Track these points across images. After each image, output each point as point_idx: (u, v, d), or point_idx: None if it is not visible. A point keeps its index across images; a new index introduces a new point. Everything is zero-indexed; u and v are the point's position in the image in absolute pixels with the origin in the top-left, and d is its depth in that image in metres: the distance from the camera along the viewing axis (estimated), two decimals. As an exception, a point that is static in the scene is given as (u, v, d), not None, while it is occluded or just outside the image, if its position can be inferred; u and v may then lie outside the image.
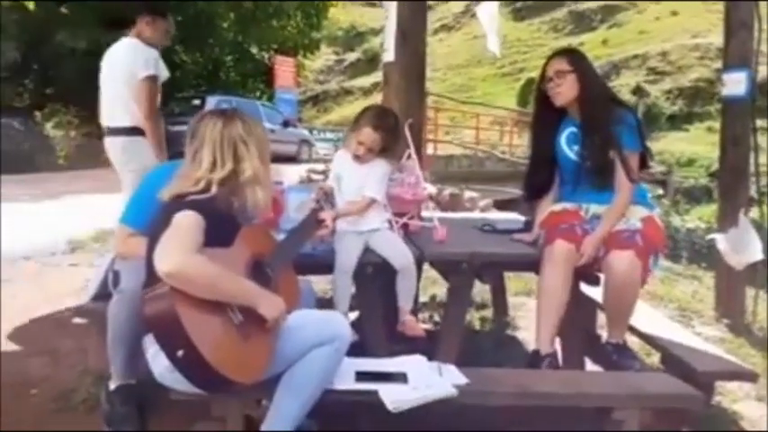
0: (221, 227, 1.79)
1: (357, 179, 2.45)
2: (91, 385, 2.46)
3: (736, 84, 4.21)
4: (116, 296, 2.12)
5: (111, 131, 3.63)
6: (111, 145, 3.64)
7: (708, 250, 7.40)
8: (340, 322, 1.89)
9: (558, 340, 2.49)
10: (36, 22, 13.49)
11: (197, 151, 1.89)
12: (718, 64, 4.40)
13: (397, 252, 2.39)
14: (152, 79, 3.53)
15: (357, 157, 2.42)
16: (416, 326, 2.45)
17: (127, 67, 3.55)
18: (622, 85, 24.25)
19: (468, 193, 8.75)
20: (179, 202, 1.76)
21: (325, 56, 35.13)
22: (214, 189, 1.82)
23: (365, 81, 33.32)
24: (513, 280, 4.45)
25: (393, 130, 2.47)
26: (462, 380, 2.00)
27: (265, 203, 1.90)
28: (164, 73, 3.69)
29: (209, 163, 1.86)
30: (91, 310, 2.50)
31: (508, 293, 4.04)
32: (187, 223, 1.69)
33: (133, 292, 1.95)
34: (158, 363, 1.74)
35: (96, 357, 2.53)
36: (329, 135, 22.43)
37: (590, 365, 2.76)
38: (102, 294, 2.43)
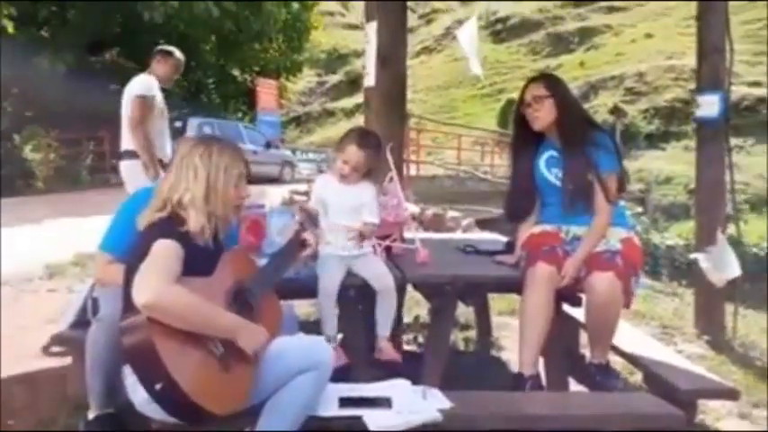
0: (200, 254, 1.78)
1: (349, 202, 2.44)
2: (70, 414, 2.40)
3: (709, 105, 4.31)
4: (95, 324, 2.10)
5: (118, 155, 4.32)
6: (120, 168, 4.27)
7: (688, 267, 7.51)
8: (323, 348, 1.88)
9: (541, 360, 2.50)
10: (16, 44, 13.41)
11: (167, 174, 1.90)
12: (693, 84, 4.52)
13: (378, 275, 2.39)
14: (141, 98, 4.11)
15: (343, 178, 2.42)
16: (392, 352, 2.45)
17: (127, 95, 4.22)
18: (600, 105, 24.65)
19: (450, 213, 8.79)
20: (155, 230, 1.75)
21: (307, 78, 35.25)
22: (180, 213, 1.79)
23: (347, 102, 33.47)
24: (496, 300, 4.46)
25: (376, 149, 2.48)
26: (447, 404, 1.99)
27: (199, 230, 1.79)
28: (158, 102, 4.27)
29: (170, 185, 1.85)
30: (69, 337, 2.46)
31: (492, 313, 4.04)
32: (165, 253, 1.68)
33: (112, 320, 1.92)
34: (138, 393, 1.70)
35: (75, 385, 2.47)
36: (312, 156, 22.46)
37: (574, 385, 2.77)
38: (81, 321, 2.40)
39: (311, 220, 2.30)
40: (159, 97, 4.34)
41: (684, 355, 3.36)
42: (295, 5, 20.43)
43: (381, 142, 2.58)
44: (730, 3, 4.40)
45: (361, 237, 2.39)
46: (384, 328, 2.43)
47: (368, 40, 3.33)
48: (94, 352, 2.06)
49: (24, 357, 3.06)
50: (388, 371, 2.39)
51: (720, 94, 4.29)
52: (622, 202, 2.69)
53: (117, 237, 2.19)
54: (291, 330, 2.10)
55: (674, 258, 10.01)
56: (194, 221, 1.79)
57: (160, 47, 4.59)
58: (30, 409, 2.52)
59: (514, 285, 2.57)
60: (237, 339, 1.71)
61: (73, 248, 5.33)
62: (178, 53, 4.52)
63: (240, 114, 20.52)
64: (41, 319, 3.44)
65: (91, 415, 2.16)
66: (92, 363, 2.08)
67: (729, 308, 4.42)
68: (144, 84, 4.23)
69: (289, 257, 2.14)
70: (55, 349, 2.90)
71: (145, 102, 4.14)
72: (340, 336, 2.47)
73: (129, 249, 1.86)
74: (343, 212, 2.44)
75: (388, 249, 2.71)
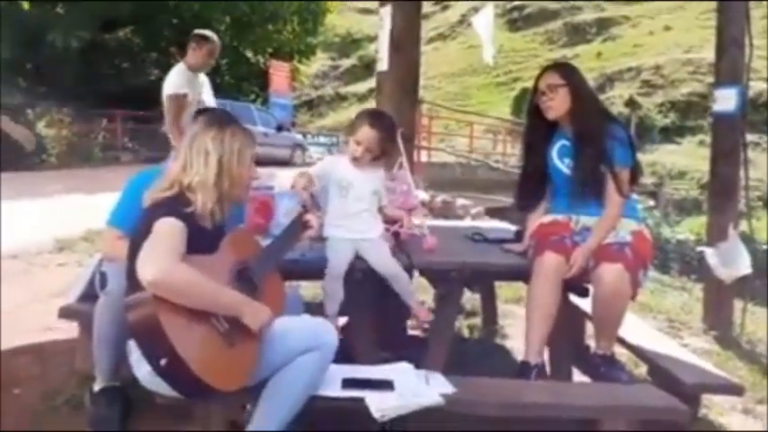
0: (204, 233, 1.78)
1: (369, 186, 2.44)
2: (76, 386, 2.43)
3: (726, 100, 4.25)
4: (102, 298, 2.11)
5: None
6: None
7: (698, 262, 7.46)
8: (326, 329, 1.89)
9: (546, 350, 2.50)
10: (30, 21, 13.44)
11: (178, 154, 1.89)
12: (711, 78, 4.46)
13: (382, 259, 2.39)
14: (171, 97, 4.23)
15: (355, 160, 2.41)
16: (426, 313, 2.50)
17: (164, 89, 4.36)
18: (616, 98, 24.43)
19: (460, 201, 8.77)
20: (160, 209, 1.75)
21: (320, 61, 35.13)
22: (186, 194, 1.79)
23: (360, 87, 33.37)
24: (503, 288, 4.45)
25: (390, 130, 2.46)
26: (449, 388, 2.00)
27: (205, 212, 1.80)
28: (204, 97, 4.44)
29: (181, 166, 1.85)
30: (77, 310, 2.48)
31: (498, 301, 4.04)
32: (169, 231, 1.68)
33: (119, 295, 1.94)
34: (142, 367, 1.72)
35: (82, 358, 2.50)
36: (323, 140, 22.46)
37: (578, 376, 2.76)
38: (89, 295, 2.42)
39: (313, 201, 2.29)
40: (196, 89, 4.42)
41: (690, 350, 3.35)
42: (310, -13, 20.32)
43: (395, 124, 2.56)
44: (751, -1, 4.33)
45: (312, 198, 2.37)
46: (410, 300, 2.45)
47: (382, 23, 3.30)
48: (101, 325, 2.08)
49: (33, 330, 3.11)
50: (392, 355, 2.40)
51: (738, 88, 4.23)
52: (634, 195, 2.67)
53: (125, 213, 2.21)
54: (296, 312, 2.11)
55: (685, 253, 9.96)
56: (203, 204, 1.79)
57: (195, 32, 4.51)
58: (37, 379, 2.55)
59: (522, 274, 2.56)
60: (242, 317, 1.72)
61: (83, 224, 5.37)
62: (212, 37, 4.49)
63: (253, 96, 20.48)
64: (50, 293, 3.48)
65: (97, 387, 2.19)
66: (98, 336, 2.10)
67: (738, 304, 4.39)
68: (173, 82, 4.31)
69: (291, 238, 2.14)
70: (64, 321, 2.94)
71: (176, 100, 4.22)
72: (342, 320, 2.48)
73: (134, 227, 1.87)
74: (364, 196, 2.43)
75: (395, 235, 2.70)
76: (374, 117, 2.44)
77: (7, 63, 13.89)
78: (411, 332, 3.42)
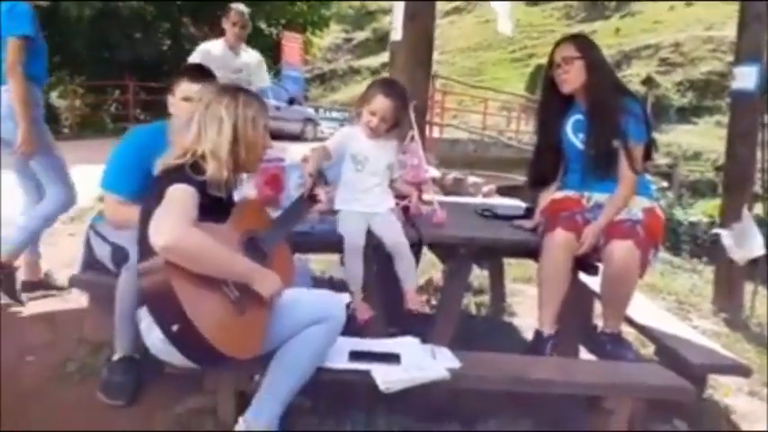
0: (215, 202, 1.78)
1: (383, 160, 2.44)
2: (87, 354, 2.47)
3: (746, 77, 4.17)
4: (124, 272, 2.11)
5: None
6: None
7: (710, 245, 7.40)
8: (335, 301, 1.89)
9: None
10: (44, -11, 13.36)
11: (190, 121, 1.88)
12: (731, 57, 4.35)
13: (391, 232, 2.38)
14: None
15: (371, 130, 2.39)
16: (417, 301, 2.46)
17: None
18: (633, 76, 23.99)
19: (471, 179, 8.71)
20: (173, 175, 1.75)
21: (334, 34, 34.78)
22: (200, 162, 1.79)
23: (373, 61, 33.02)
24: (512, 266, 4.44)
25: (403, 98, 2.43)
26: (455, 363, 2.01)
27: (220, 180, 1.80)
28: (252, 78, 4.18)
29: (195, 134, 1.84)
30: (83, 279, 2.50)
31: (507, 280, 4.03)
32: (181, 196, 1.69)
33: None
34: (152, 335, 1.74)
35: (92, 327, 2.54)
36: (335, 114, 22.32)
37: (584, 354, 2.77)
38: (89, 263, 2.43)
39: (320, 175, 2.28)
40: (230, 67, 4.13)
41: (699, 331, 3.33)
42: (324, -42, 20.01)
43: (407, 92, 2.53)
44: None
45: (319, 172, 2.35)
46: (408, 283, 2.43)
47: (397, -8, 3.25)
48: (124, 300, 2.08)
49: (45, 298, 3.16)
50: (400, 329, 2.41)
51: (759, 66, 4.13)
52: (647, 175, 2.63)
53: (123, 177, 2.24)
54: (305, 284, 2.12)
55: (696, 236, 9.88)
56: (217, 173, 1.79)
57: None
58: (49, 346, 2.59)
59: (531, 250, 2.56)
60: (253, 284, 1.73)
61: (95, 195, 5.39)
62: (236, 7, 4.24)
63: (266, 69, 20.31)
64: (62, 263, 3.52)
65: (116, 356, 2.20)
66: (121, 311, 2.10)
67: (749, 287, 4.36)
68: (193, 58, 4.07)
69: (300, 211, 2.14)
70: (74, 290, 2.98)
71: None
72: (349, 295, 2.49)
73: (143, 192, 1.89)
74: (378, 170, 2.43)
75: (405, 209, 2.69)
76: (388, 86, 2.42)
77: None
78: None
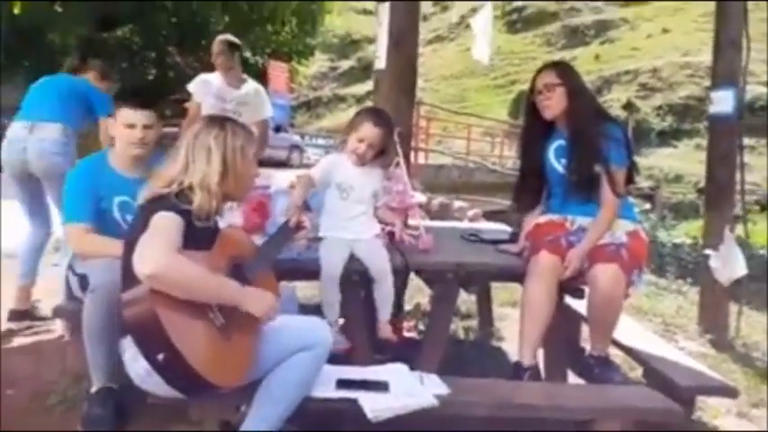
0: (200, 231, 1.78)
1: (369, 188, 2.47)
2: (69, 386, 2.42)
3: (723, 102, 4.24)
4: (88, 297, 2.08)
5: None
6: None
7: (694, 265, 7.46)
8: (321, 328, 1.88)
9: (541, 352, 2.49)
10: (28, 19, 13.40)
11: (177, 151, 1.88)
12: (708, 82, 4.45)
13: (376, 258, 2.38)
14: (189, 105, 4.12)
15: (359, 157, 2.41)
16: (390, 334, 2.44)
17: None
18: (613, 100, 24.42)
19: (457, 203, 8.76)
20: (157, 204, 1.75)
21: (319, 62, 35.11)
22: (186, 192, 1.80)
23: (358, 89, 33.34)
24: (499, 290, 4.45)
25: (390, 127, 2.48)
26: (444, 389, 1.99)
27: (208, 210, 1.80)
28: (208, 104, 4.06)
29: (183, 165, 1.84)
30: (66, 309, 2.47)
31: (494, 304, 4.04)
32: (165, 224, 1.68)
33: (105, 290, 1.95)
34: (136, 366, 1.72)
35: (74, 358, 2.49)
36: (321, 141, 22.40)
37: (572, 378, 2.76)
38: (72, 296, 2.42)
39: (305, 204, 2.29)
40: (216, 96, 4.07)
41: (686, 353, 3.34)
42: (309, -13, 20.29)
43: (393, 120, 2.56)
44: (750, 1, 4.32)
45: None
46: (383, 311, 2.43)
47: (380, 22, 3.31)
48: (92, 325, 2.05)
49: (28, 329, 3.10)
50: (388, 356, 2.39)
51: (734, 90, 4.22)
52: (630, 198, 2.67)
53: (80, 205, 2.27)
54: (291, 311, 2.11)
55: (681, 257, 9.95)
56: (206, 203, 1.79)
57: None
58: (30, 379, 2.54)
59: (517, 274, 2.56)
60: (244, 305, 1.71)
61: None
62: (218, 38, 4.25)
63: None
64: (46, 292, 3.47)
65: (93, 389, 2.16)
66: (90, 336, 2.07)
67: (734, 308, 4.39)
68: (190, 89, 4.12)
69: (284, 238, 2.14)
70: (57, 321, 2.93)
71: (191, 108, 4.05)
72: (341, 321, 2.48)
73: (99, 218, 2.09)
74: (364, 198, 2.45)
75: (390, 235, 2.70)
76: (376, 114, 2.46)
77: (6, 61, 13.87)
78: (406, 334, 3.42)
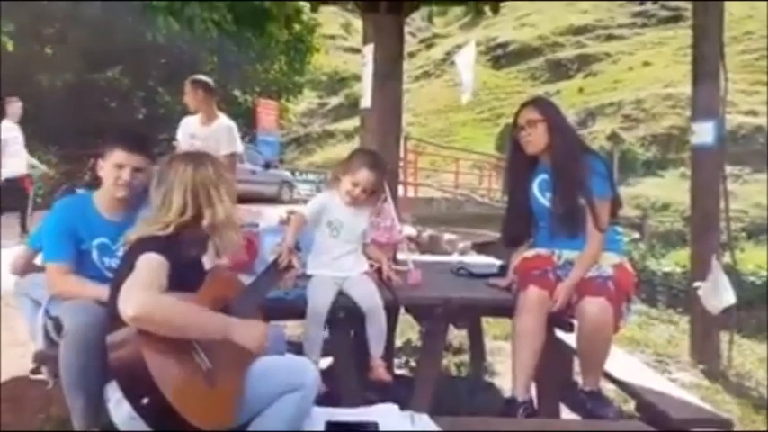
0: (186, 270, 1.77)
1: (360, 226, 2.50)
2: (52, 432, 2.36)
3: (704, 133, 4.32)
4: (63, 341, 2.03)
5: None
6: None
7: (684, 294, 7.47)
8: (309, 369, 1.86)
9: (533, 386, 2.47)
10: (17, 60, 13.50)
11: (166, 195, 1.86)
12: (690, 112, 4.52)
13: (366, 295, 2.37)
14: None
15: (353, 200, 2.43)
16: (383, 373, 2.41)
17: None
18: (598, 132, 24.82)
19: (447, 236, 8.79)
20: (141, 246, 1.74)
21: (308, 99, 35.50)
22: (181, 232, 1.80)
23: (347, 125, 33.65)
24: (491, 324, 4.43)
25: (384, 171, 2.53)
26: (435, 429, 1.96)
27: (238, 244, 1.87)
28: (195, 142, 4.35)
29: (180, 207, 1.83)
30: (48, 355, 2.41)
31: (486, 338, 4.01)
32: (150, 265, 1.67)
33: (79, 334, 1.92)
34: (121, 410, 1.68)
35: (59, 403, 2.44)
36: (311, 177, 22.48)
37: (566, 413, 2.73)
38: (53, 341, 2.37)
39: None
40: (189, 134, 4.50)
41: (678, 384, 3.33)
42: (297, 27, 20.62)
43: (386, 165, 2.60)
44: (727, 34, 4.44)
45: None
46: (376, 348, 2.40)
47: (365, 62, 3.35)
48: (69, 371, 2.00)
49: (14, 375, 3.04)
50: (378, 395, 2.36)
51: (715, 121, 4.31)
52: (619, 228, 2.69)
53: (60, 245, 2.23)
54: (279, 351, 2.08)
55: (671, 286, 9.98)
56: (234, 238, 1.84)
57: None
58: (14, 426, 2.47)
59: (507, 309, 2.55)
60: (234, 336, 1.70)
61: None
62: (188, 80, 4.58)
63: (241, 134, 20.51)
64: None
65: None
66: (69, 382, 2.02)
67: (725, 336, 4.39)
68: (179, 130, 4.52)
69: (273, 279, 2.13)
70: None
71: (178, 147, 4.36)
72: (325, 361, 2.45)
73: (78, 259, 2.09)
74: (354, 237, 2.47)
75: (379, 271, 2.69)
76: (372, 159, 2.49)
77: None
78: (397, 371, 3.38)
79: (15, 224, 7.89)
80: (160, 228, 1.80)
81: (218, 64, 19.12)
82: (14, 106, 7.20)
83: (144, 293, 1.58)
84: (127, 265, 1.69)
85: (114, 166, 2.31)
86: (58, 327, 2.15)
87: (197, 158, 1.94)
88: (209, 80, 4.64)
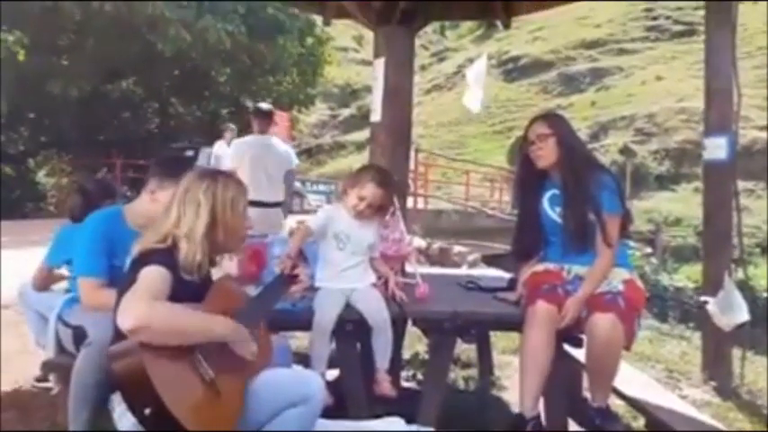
0: (191, 284, 1.77)
1: (367, 239, 2.49)
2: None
3: (717, 148, 4.29)
4: (83, 350, 2.06)
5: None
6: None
7: (697, 310, 7.39)
8: (314, 382, 1.85)
9: (541, 402, 2.45)
10: (32, 71, 13.70)
11: (168, 208, 1.89)
12: (703, 126, 4.49)
13: (373, 308, 2.37)
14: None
15: (359, 214, 2.43)
16: (389, 387, 2.40)
17: None
18: (610, 146, 24.69)
19: (457, 248, 8.76)
20: (147, 258, 1.75)
21: (320, 111, 35.71)
22: (177, 245, 1.80)
23: (358, 136, 33.76)
24: (500, 338, 4.40)
25: (392, 187, 2.55)
26: (440, 444, 1.95)
27: (193, 263, 1.79)
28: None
29: (175, 218, 1.85)
30: (56, 363, 2.43)
31: (494, 352, 3.98)
32: (151, 276, 1.68)
33: (102, 345, 1.91)
34: (125, 422, 1.68)
35: (64, 412, 2.44)
36: (322, 187, 22.57)
37: (574, 428, 2.70)
38: (64, 349, 2.39)
39: (301, 254, 2.30)
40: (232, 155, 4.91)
41: (690, 401, 3.28)
42: (309, 40, 20.80)
43: (394, 181, 2.61)
44: (741, 49, 4.41)
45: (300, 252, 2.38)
46: (382, 361, 2.39)
47: (375, 75, 3.37)
48: (81, 381, 2.02)
49: (21, 382, 3.05)
50: (384, 408, 2.35)
51: (728, 136, 4.27)
52: (631, 243, 2.67)
53: (94, 260, 2.24)
54: (285, 363, 2.08)
55: (683, 301, 9.88)
56: (190, 255, 1.79)
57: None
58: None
59: (515, 323, 2.53)
60: (235, 345, 1.71)
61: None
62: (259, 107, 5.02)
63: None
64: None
65: None
66: (76, 392, 2.03)
67: (738, 353, 4.33)
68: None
69: (279, 291, 2.13)
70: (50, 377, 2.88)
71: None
72: (332, 373, 2.44)
73: (112, 272, 2.01)
74: (360, 249, 2.47)
75: (386, 285, 2.69)
76: (381, 175, 2.50)
77: (9, 112, 14.09)
78: (404, 384, 3.36)
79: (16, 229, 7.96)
80: (159, 240, 1.81)
81: (232, 75, 19.28)
82: None
83: (141, 304, 1.59)
84: (131, 277, 1.71)
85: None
86: (78, 337, 2.16)
87: (200, 174, 1.94)
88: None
